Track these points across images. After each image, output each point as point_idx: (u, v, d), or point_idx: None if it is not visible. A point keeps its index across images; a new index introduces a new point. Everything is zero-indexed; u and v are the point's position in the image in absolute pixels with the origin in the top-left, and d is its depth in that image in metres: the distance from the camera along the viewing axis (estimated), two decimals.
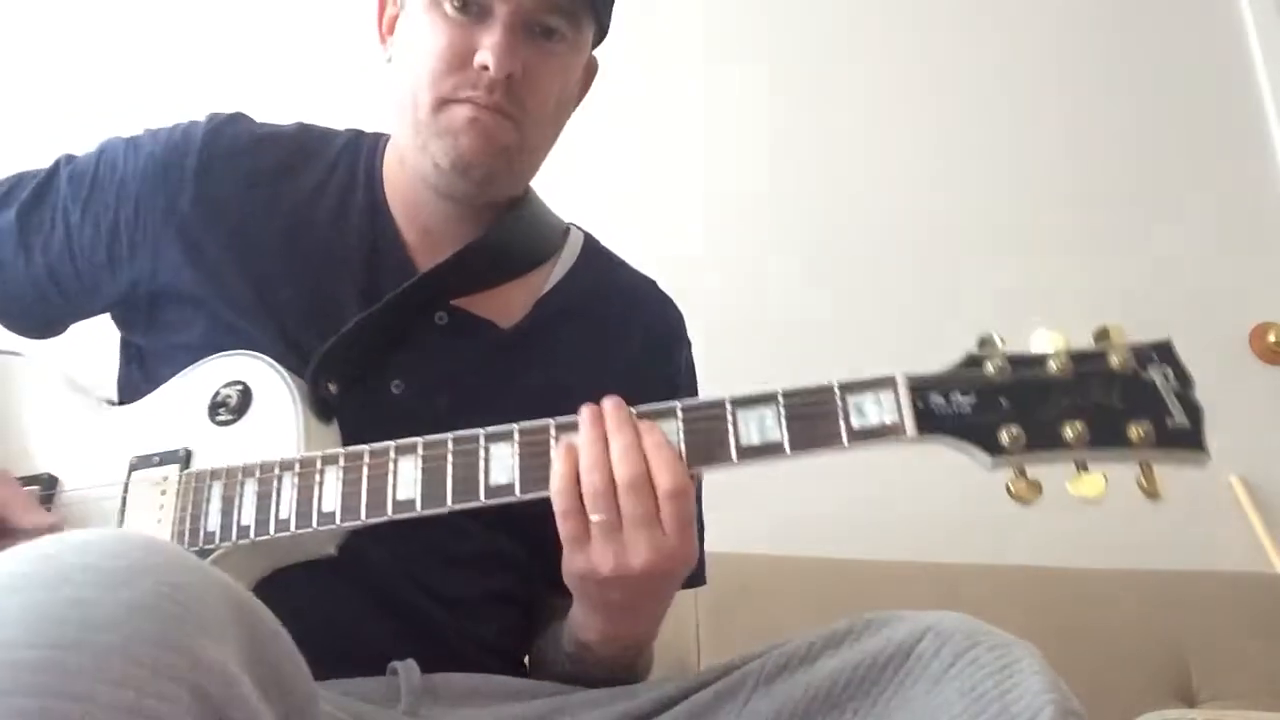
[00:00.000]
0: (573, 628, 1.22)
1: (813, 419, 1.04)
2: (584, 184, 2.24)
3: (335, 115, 1.52)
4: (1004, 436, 0.99)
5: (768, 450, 1.04)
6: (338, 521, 1.11)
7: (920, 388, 1.03)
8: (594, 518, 1.04)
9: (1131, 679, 2.22)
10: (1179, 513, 2.45)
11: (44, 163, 1.43)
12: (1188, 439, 0.98)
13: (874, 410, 1.02)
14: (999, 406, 1.00)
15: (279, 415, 1.20)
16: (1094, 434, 0.98)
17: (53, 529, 1.16)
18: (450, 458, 1.11)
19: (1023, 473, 1.00)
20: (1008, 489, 1.01)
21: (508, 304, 1.39)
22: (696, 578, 1.35)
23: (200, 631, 0.72)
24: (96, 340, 1.45)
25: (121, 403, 1.37)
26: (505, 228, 1.39)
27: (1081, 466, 1.00)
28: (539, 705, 1.18)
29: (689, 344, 1.53)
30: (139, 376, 1.37)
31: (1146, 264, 3.00)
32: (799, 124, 3.05)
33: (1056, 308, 2.87)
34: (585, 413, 1.08)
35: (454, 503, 1.09)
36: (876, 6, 3.18)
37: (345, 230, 1.37)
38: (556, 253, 1.46)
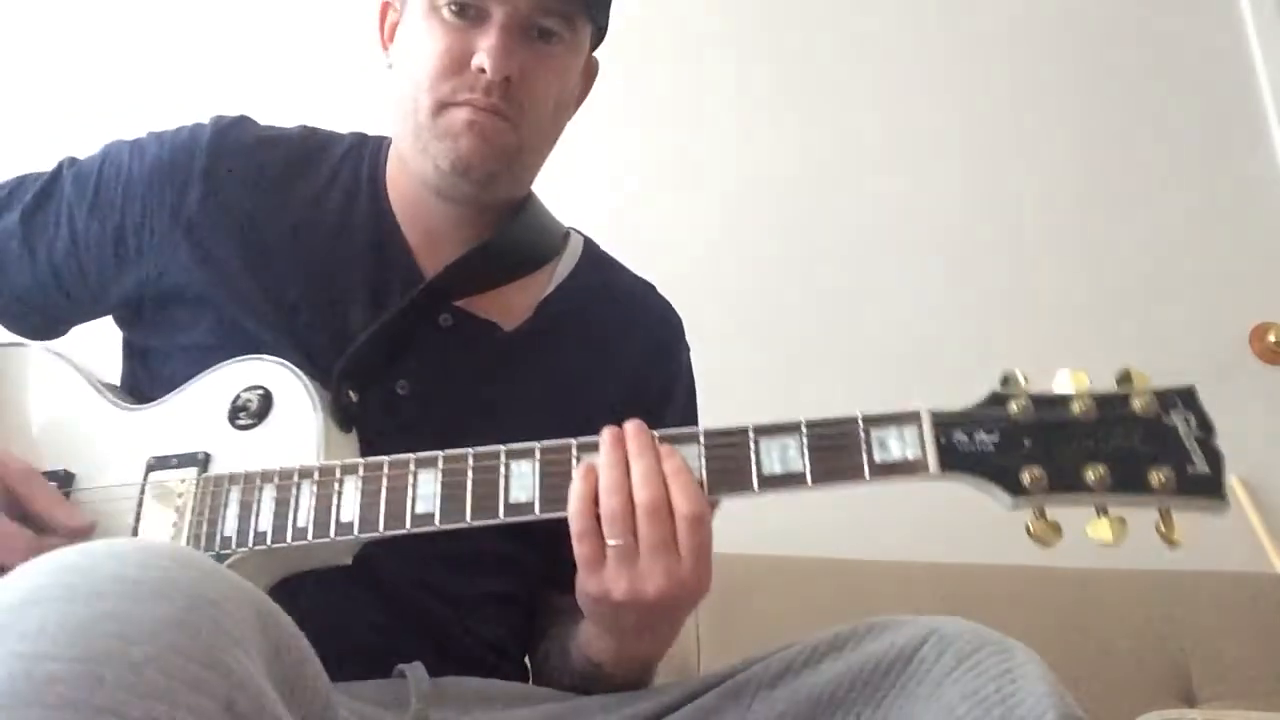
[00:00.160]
0: (583, 646, 1.22)
1: (835, 451, 1.04)
2: (585, 185, 2.25)
3: (338, 118, 1.52)
4: (1026, 477, 0.99)
5: (789, 480, 1.04)
6: (355, 533, 1.11)
7: (944, 424, 1.03)
8: (611, 542, 1.04)
9: (1131, 679, 2.23)
10: (1179, 513, 2.44)
11: (46, 166, 1.43)
12: (1208, 487, 0.98)
13: (896, 445, 1.03)
14: (1021, 447, 1.01)
15: (299, 422, 1.20)
16: (1115, 478, 0.98)
17: (85, 531, 1.17)
18: (470, 473, 1.11)
19: (1042, 514, 1.01)
20: (1027, 529, 1.02)
21: (511, 306, 1.40)
22: None
23: (232, 644, 0.73)
24: (97, 340, 1.46)
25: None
26: (509, 230, 1.40)
27: (1102, 511, 1.00)
28: (547, 709, 1.19)
29: (688, 348, 1.54)
30: (143, 377, 1.38)
31: (1147, 264, 3.01)
32: (810, 127, 3.06)
33: (1057, 308, 2.89)
34: (606, 435, 1.09)
35: (473, 519, 1.09)
36: (878, 8, 3.18)
37: (350, 232, 1.38)
38: (557, 256, 1.47)
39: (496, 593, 1.35)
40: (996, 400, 1.03)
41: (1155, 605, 2.38)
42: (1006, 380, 1.04)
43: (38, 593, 0.71)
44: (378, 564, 1.20)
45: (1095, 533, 1.00)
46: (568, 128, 1.43)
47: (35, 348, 1.38)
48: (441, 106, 1.28)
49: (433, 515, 1.10)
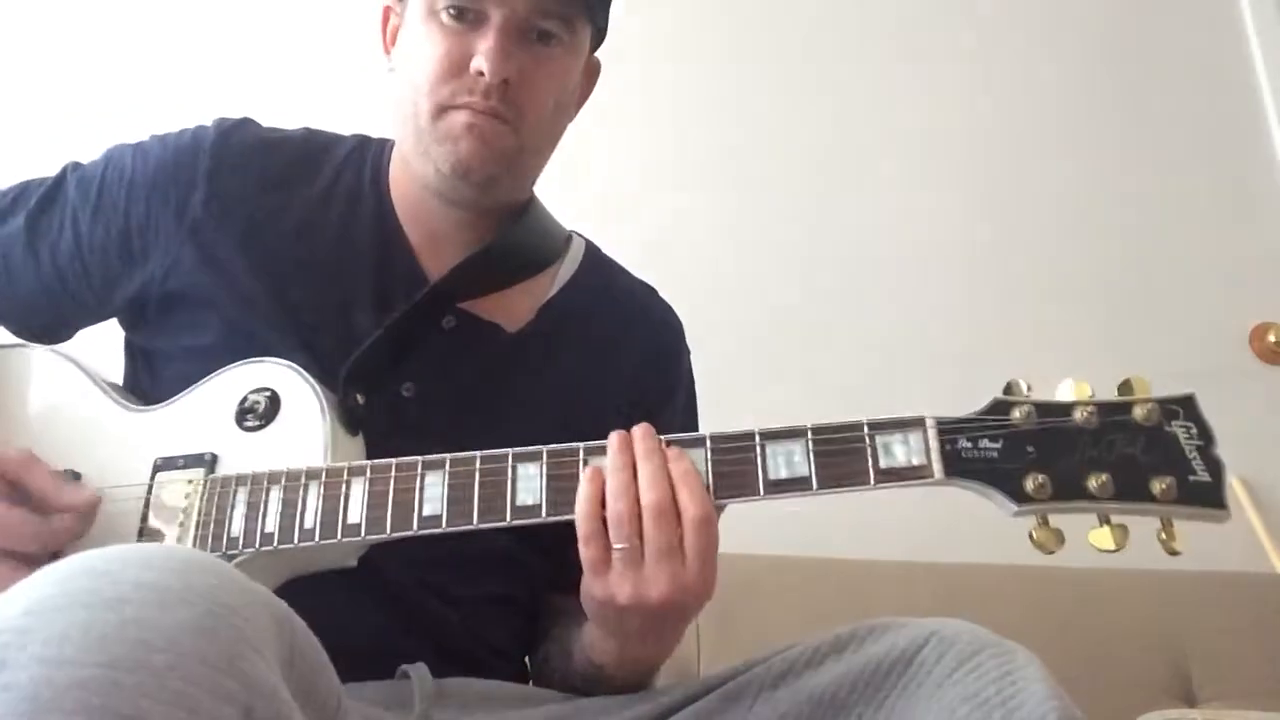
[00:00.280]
0: (586, 648, 1.22)
1: (841, 456, 1.05)
2: (585, 185, 2.25)
3: (341, 120, 1.53)
4: (1029, 484, 1.00)
5: (795, 485, 1.05)
6: (362, 534, 1.12)
7: (948, 431, 1.03)
8: (617, 546, 1.04)
9: (1131, 679, 2.23)
10: (1180, 521, 2.45)
11: (49, 170, 1.43)
12: (1209, 496, 0.99)
13: (901, 451, 1.03)
14: (1025, 454, 1.01)
15: (306, 424, 1.21)
16: (1117, 487, 0.99)
17: (91, 507, 1.17)
18: (477, 476, 1.11)
19: (1045, 521, 1.02)
20: (1030, 536, 1.02)
21: (513, 308, 1.40)
22: None
23: (251, 651, 0.73)
24: (98, 340, 1.46)
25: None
26: (511, 233, 1.40)
27: (1104, 519, 1.01)
28: (550, 710, 1.20)
29: (689, 351, 1.55)
30: (145, 378, 1.38)
31: (1147, 264, 3.02)
32: (810, 128, 3.06)
33: (1057, 308, 2.89)
34: (614, 438, 1.09)
35: (480, 522, 1.10)
36: (879, 8, 3.18)
37: (354, 234, 1.38)
38: (559, 258, 1.48)
39: (498, 594, 1.35)
40: (1000, 408, 1.04)
41: (1155, 605, 2.37)
42: (1009, 388, 1.05)
43: (60, 598, 0.71)
44: (381, 566, 1.20)
45: (1097, 541, 1.01)
46: (569, 128, 1.43)
47: (39, 349, 1.38)
48: (441, 110, 1.28)
49: (440, 517, 1.10)
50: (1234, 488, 2.77)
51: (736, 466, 1.07)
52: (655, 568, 1.04)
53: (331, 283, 1.35)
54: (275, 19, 2.92)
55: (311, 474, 1.15)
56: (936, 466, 1.02)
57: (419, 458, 1.13)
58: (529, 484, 1.10)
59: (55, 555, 1.03)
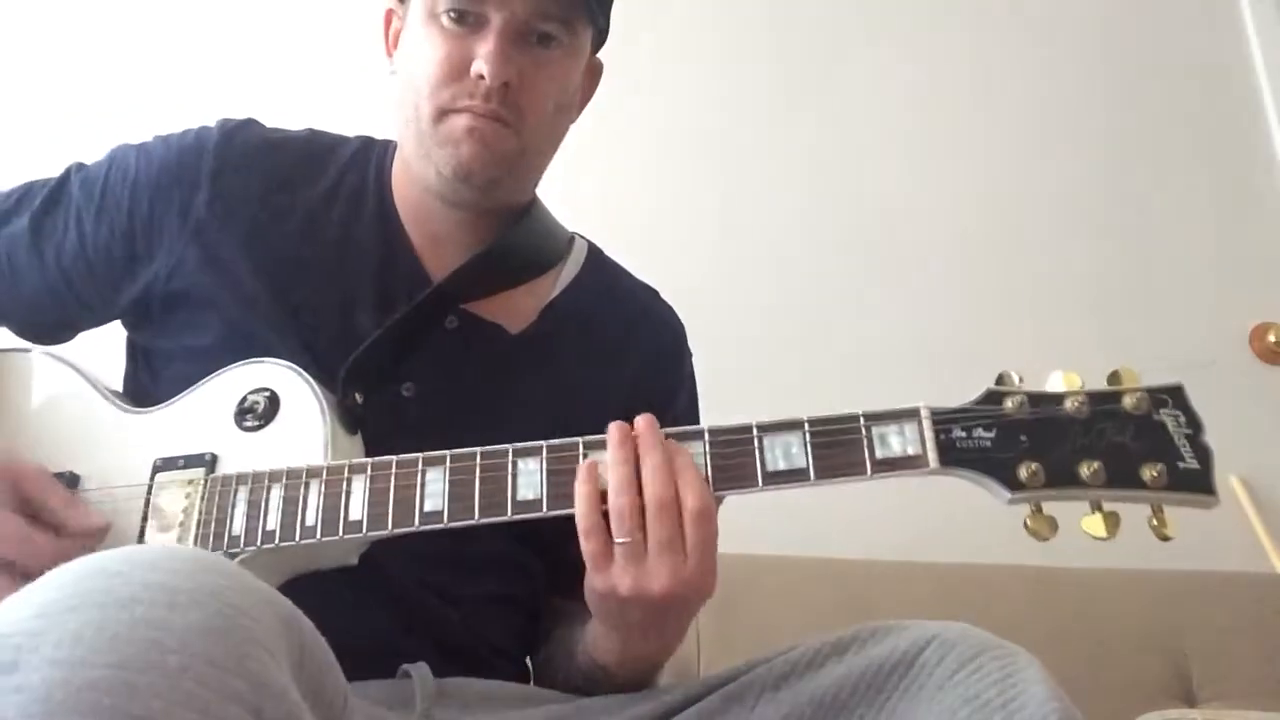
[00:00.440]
0: (588, 647, 1.22)
1: (837, 447, 1.05)
2: (586, 185, 2.26)
3: (344, 121, 1.54)
4: (1023, 472, 1.01)
5: (793, 476, 1.06)
6: (364, 531, 1.12)
7: (943, 421, 1.04)
8: (619, 540, 1.05)
9: (1131, 679, 2.23)
10: (1178, 513, 2.44)
11: (52, 170, 1.44)
12: (1199, 482, 1.00)
13: (897, 441, 1.04)
14: (1018, 442, 1.02)
15: (305, 424, 1.21)
16: (1109, 474, 1.00)
17: (100, 532, 1.17)
18: (478, 472, 1.11)
19: (1039, 509, 1.03)
20: (1025, 524, 1.03)
21: (516, 309, 1.40)
22: None
23: (261, 652, 0.73)
24: (99, 342, 1.47)
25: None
26: (514, 235, 1.41)
27: (1096, 506, 1.02)
28: (551, 710, 1.19)
29: (690, 353, 1.55)
30: (146, 378, 1.38)
31: (1147, 264, 3.02)
32: (810, 127, 3.07)
33: (1057, 308, 2.90)
34: (614, 432, 1.09)
35: (481, 517, 1.10)
36: (879, 8, 3.19)
37: (357, 236, 1.38)
38: (562, 260, 1.48)
39: (499, 594, 1.35)
40: (993, 398, 1.05)
41: (1155, 605, 2.37)
42: (1001, 379, 1.06)
43: (73, 599, 0.71)
44: (382, 565, 1.20)
45: (1089, 527, 1.02)
46: (571, 129, 1.44)
47: (38, 352, 1.38)
48: (442, 113, 1.29)
49: (441, 513, 1.10)
50: (1234, 488, 2.78)
51: (735, 459, 1.07)
52: (657, 561, 1.04)
53: (334, 283, 1.35)
54: (278, 20, 2.93)
55: (312, 472, 1.16)
56: (932, 456, 1.03)
57: (419, 454, 1.14)
58: (529, 479, 1.10)
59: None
